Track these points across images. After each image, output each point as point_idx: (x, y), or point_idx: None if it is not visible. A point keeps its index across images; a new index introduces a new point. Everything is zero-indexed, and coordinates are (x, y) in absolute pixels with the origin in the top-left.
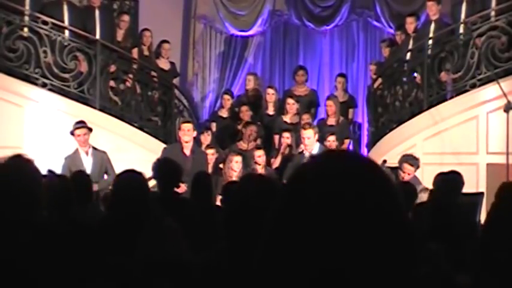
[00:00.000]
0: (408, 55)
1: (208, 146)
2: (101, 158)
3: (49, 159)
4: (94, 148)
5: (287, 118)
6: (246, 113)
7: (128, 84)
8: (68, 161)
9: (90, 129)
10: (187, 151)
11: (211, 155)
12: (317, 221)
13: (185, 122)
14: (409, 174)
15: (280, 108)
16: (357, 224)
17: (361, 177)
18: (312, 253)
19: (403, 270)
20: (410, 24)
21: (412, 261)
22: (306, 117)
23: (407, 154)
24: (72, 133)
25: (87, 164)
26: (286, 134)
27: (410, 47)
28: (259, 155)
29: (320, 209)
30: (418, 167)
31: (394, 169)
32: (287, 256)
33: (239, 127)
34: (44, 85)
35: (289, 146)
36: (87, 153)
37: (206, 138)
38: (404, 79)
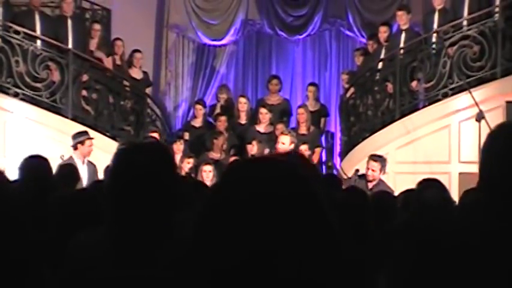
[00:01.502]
0: (380, 64)
1: (186, 156)
2: (93, 170)
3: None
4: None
5: (261, 128)
6: (223, 123)
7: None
8: None
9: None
10: None
11: (187, 163)
12: (235, 218)
13: (152, 132)
14: (373, 170)
15: (253, 118)
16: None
17: (276, 179)
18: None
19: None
20: (384, 33)
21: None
22: (280, 127)
23: (375, 153)
24: (80, 142)
25: (83, 173)
26: (253, 142)
27: (382, 56)
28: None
29: (237, 207)
30: (383, 167)
31: (363, 176)
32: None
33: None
34: (16, 95)
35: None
36: (83, 162)
37: (179, 147)
38: (377, 88)
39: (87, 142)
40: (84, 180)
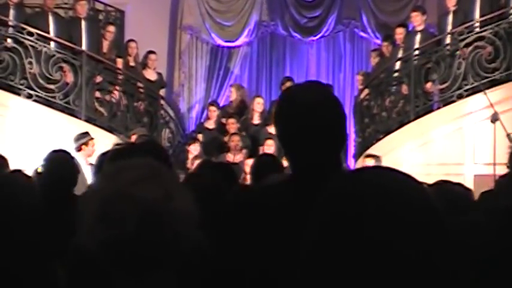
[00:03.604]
0: (397, 65)
1: (197, 157)
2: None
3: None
4: None
5: (273, 129)
6: (232, 125)
7: (114, 95)
8: None
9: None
10: None
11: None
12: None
13: (133, 135)
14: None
15: (266, 119)
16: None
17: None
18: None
19: None
20: (400, 34)
21: None
22: None
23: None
24: (85, 144)
25: (87, 174)
26: (269, 142)
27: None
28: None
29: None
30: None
31: None
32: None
33: (225, 139)
34: (29, 96)
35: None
36: (86, 163)
37: (196, 149)
38: (392, 90)
39: (91, 142)
40: (89, 179)
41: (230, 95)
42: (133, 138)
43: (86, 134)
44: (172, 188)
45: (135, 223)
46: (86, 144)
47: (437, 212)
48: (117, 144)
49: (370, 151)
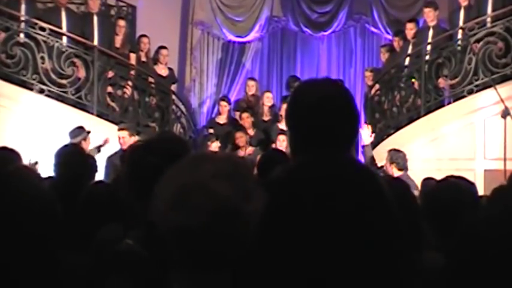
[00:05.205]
0: (407, 61)
1: None
2: None
3: (46, 166)
4: None
5: (284, 125)
6: (246, 119)
7: (126, 90)
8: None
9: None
10: None
11: None
12: (310, 227)
13: (119, 130)
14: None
15: (276, 115)
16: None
17: (355, 186)
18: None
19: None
20: (410, 30)
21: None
22: None
23: (395, 149)
24: (84, 139)
25: None
26: (281, 137)
27: (409, 52)
28: None
29: (315, 215)
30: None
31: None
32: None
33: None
34: (41, 91)
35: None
36: None
37: (217, 145)
38: (402, 85)
39: (88, 137)
40: None
41: (249, 88)
42: (122, 133)
43: (82, 128)
44: (250, 187)
45: (208, 216)
46: (85, 139)
47: (377, 181)
48: (138, 141)
49: (380, 146)
